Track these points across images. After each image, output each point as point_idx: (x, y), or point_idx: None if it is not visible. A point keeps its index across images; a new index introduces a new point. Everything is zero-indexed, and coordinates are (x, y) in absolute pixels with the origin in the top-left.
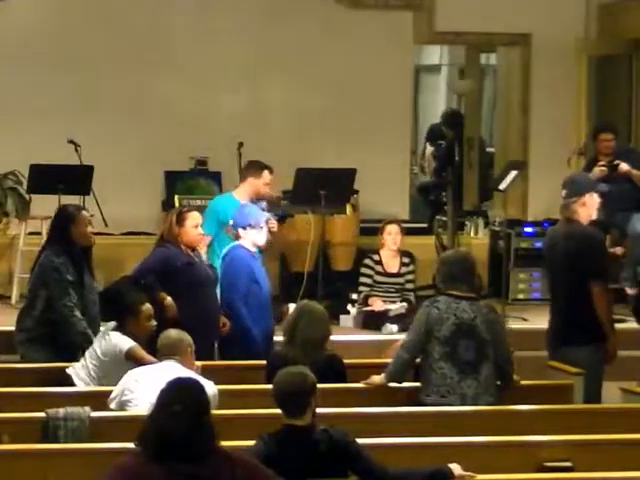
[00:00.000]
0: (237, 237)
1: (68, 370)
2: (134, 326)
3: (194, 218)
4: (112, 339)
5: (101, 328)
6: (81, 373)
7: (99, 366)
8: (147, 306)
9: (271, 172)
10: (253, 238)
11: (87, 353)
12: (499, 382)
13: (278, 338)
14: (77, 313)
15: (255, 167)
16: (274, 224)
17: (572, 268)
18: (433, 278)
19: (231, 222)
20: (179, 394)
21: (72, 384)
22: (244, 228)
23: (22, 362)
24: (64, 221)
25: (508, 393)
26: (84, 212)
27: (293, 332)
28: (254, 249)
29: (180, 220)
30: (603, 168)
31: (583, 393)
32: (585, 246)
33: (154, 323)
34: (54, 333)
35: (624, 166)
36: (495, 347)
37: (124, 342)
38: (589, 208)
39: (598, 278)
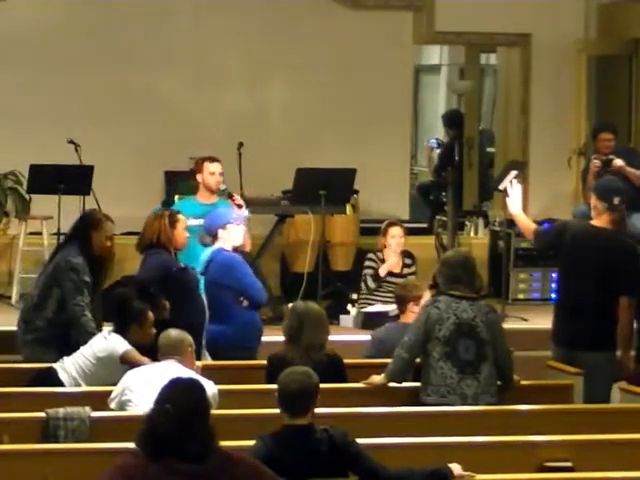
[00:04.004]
0: (212, 243)
1: (55, 365)
2: (137, 333)
3: (184, 221)
4: (112, 341)
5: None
6: (69, 368)
7: (95, 364)
8: (150, 314)
9: (212, 161)
10: (232, 237)
11: (82, 349)
12: (499, 382)
13: (271, 338)
14: (88, 313)
15: (197, 164)
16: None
17: (610, 279)
18: (433, 278)
19: (202, 230)
20: (172, 393)
21: (57, 379)
22: (224, 228)
23: (23, 362)
24: (87, 225)
25: (508, 394)
26: (110, 223)
27: (297, 335)
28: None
29: (172, 222)
30: (596, 161)
31: (590, 396)
32: (632, 263)
33: (154, 331)
34: (65, 334)
35: (618, 162)
36: (495, 347)
37: (121, 345)
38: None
39: (631, 293)
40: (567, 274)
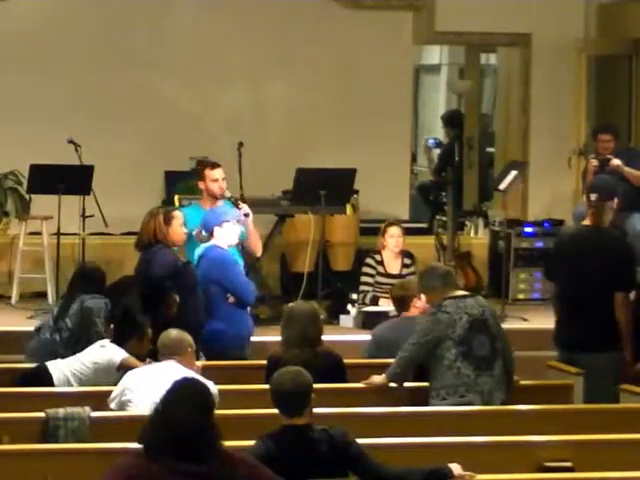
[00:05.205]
0: (208, 240)
1: (48, 363)
2: (134, 347)
3: (180, 217)
4: (109, 350)
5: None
6: (63, 368)
7: (90, 369)
8: (150, 330)
9: (213, 167)
10: (228, 235)
11: (78, 356)
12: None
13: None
14: (101, 328)
15: (199, 171)
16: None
17: (600, 275)
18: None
19: (198, 228)
20: (179, 394)
21: (47, 376)
22: (220, 225)
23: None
24: (103, 277)
25: (510, 390)
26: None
27: (286, 334)
28: (227, 249)
29: (168, 220)
30: (593, 161)
31: (597, 398)
32: (622, 256)
33: (151, 346)
34: None
35: (615, 161)
36: (503, 341)
37: (118, 354)
38: (613, 212)
39: (624, 288)
40: (565, 277)
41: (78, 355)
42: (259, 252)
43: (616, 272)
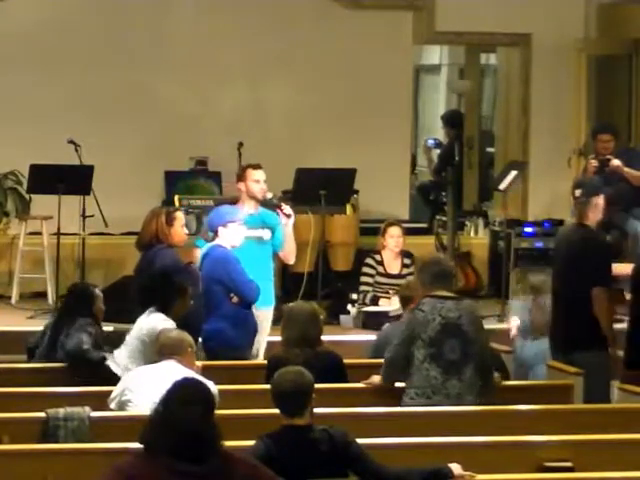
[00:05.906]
0: (213, 239)
1: (107, 362)
2: (179, 306)
3: (182, 218)
4: (154, 318)
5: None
6: (119, 359)
7: (141, 342)
8: (189, 288)
9: (256, 168)
10: (232, 236)
11: (127, 337)
12: (480, 382)
13: (271, 338)
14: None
15: (240, 172)
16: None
17: (575, 272)
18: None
19: (204, 228)
20: (195, 393)
21: (110, 373)
22: (224, 226)
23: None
24: (89, 298)
25: (491, 393)
26: (98, 290)
27: (286, 334)
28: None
29: (170, 220)
30: (593, 161)
31: (589, 396)
32: (588, 250)
33: (192, 302)
34: None
35: (615, 162)
36: (479, 345)
37: (162, 323)
38: (600, 209)
39: (599, 283)
40: (554, 278)
41: (127, 336)
42: (292, 259)
43: (593, 268)
